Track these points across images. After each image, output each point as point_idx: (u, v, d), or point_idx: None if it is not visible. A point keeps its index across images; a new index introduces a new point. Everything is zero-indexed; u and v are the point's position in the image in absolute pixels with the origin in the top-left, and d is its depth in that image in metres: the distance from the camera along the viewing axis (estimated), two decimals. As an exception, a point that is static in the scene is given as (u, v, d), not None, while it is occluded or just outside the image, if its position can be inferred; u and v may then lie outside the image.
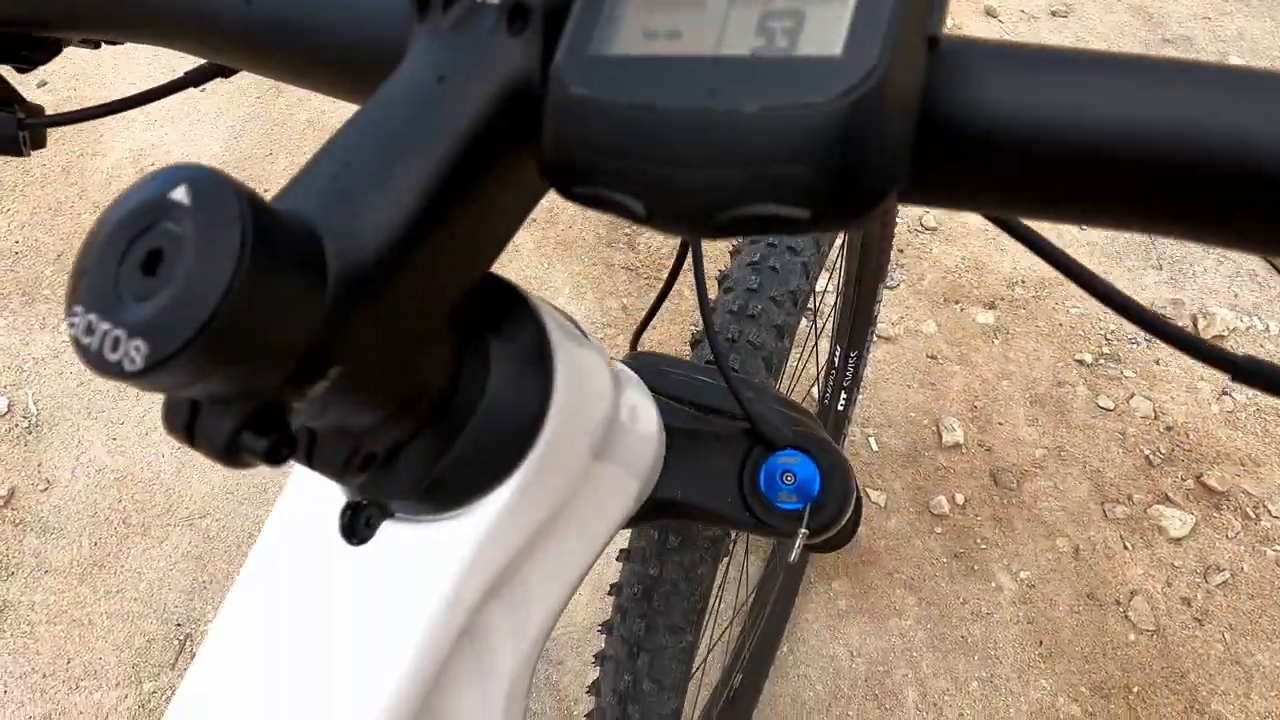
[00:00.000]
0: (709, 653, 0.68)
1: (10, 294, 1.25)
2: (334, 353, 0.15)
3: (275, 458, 0.14)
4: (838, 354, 0.92)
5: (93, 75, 1.55)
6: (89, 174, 1.41)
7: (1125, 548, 0.98)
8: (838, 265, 0.85)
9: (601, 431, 0.23)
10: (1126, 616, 0.94)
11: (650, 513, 0.31)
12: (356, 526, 0.19)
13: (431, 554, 0.19)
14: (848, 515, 0.32)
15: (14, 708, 0.90)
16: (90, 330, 0.13)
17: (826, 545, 0.51)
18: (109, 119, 1.46)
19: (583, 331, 0.24)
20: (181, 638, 0.95)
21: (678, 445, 0.32)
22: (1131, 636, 0.92)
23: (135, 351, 0.13)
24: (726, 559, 0.49)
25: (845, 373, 0.90)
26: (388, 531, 0.20)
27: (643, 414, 0.28)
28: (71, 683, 0.92)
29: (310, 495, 0.21)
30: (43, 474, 1.07)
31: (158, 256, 0.13)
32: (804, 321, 0.49)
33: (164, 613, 0.96)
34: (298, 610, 0.19)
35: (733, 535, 0.50)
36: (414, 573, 0.19)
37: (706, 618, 0.44)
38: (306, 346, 0.14)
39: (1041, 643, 0.92)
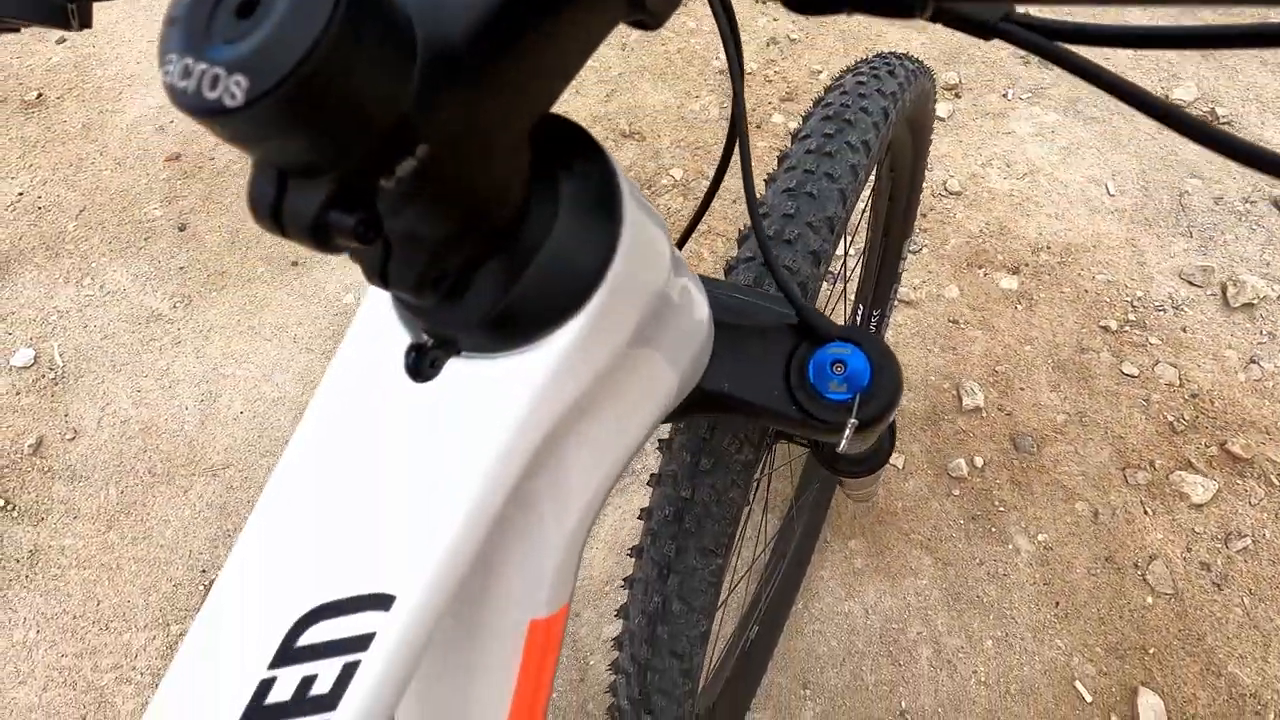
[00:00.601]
0: (727, 601, 0.69)
1: (35, 248, 1.27)
2: (421, 130, 0.15)
3: (363, 236, 0.15)
4: (860, 313, 0.92)
5: (111, 30, 1.56)
6: (109, 131, 1.42)
7: (1146, 513, 0.98)
8: (861, 224, 0.85)
9: (656, 302, 0.24)
10: (1144, 580, 0.94)
11: (695, 404, 0.32)
12: (422, 365, 0.19)
13: (495, 389, 0.20)
14: (895, 410, 0.32)
15: (46, 647, 0.93)
16: (187, 73, 0.13)
17: (862, 468, 0.51)
18: (128, 80, 1.47)
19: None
20: (207, 584, 0.97)
21: (725, 339, 0.32)
22: (1149, 600, 0.93)
23: (236, 87, 0.13)
24: (756, 487, 0.49)
25: (867, 332, 0.90)
26: (452, 369, 0.20)
27: (694, 298, 0.28)
28: (101, 624, 0.95)
29: (373, 339, 0.21)
30: (69, 424, 1.09)
31: (252, 3, 0.13)
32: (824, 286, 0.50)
33: (189, 559, 0.99)
34: (361, 449, 0.20)
35: (761, 468, 0.50)
36: (478, 408, 0.20)
37: (735, 544, 0.44)
38: (395, 118, 0.14)
39: (1057, 604, 0.93)
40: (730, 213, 1.28)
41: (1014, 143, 1.38)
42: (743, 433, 0.39)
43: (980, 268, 1.22)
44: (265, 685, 0.17)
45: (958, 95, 1.46)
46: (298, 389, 1.12)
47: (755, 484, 0.49)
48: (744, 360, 0.32)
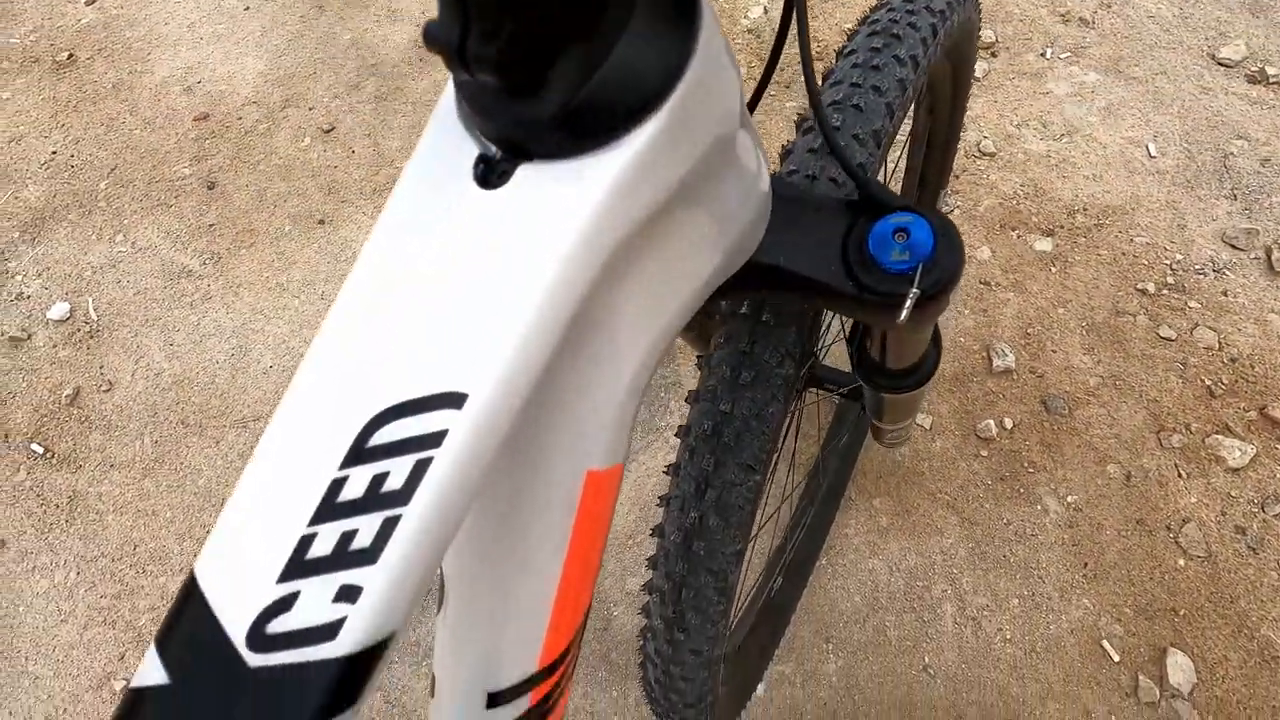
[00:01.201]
0: (757, 535, 0.69)
1: (69, 206, 1.30)
2: None
3: None
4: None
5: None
6: (138, 91, 1.43)
7: (1180, 476, 0.97)
8: (898, 168, 0.84)
9: (724, 143, 0.24)
10: (1176, 542, 0.93)
11: (748, 279, 0.31)
12: (491, 174, 0.20)
13: (567, 190, 0.20)
14: (956, 285, 0.32)
15: (86, 588, 0.97)
16: None
17: (908, 381, 0.49)
18: (156, 41, 1.48)
19: None
20: (239, 530, 1.00)
21: (781, 213, 0.32)
22: (1181, 562, 0.92)
23: None
24: (785, 434, 0.49)
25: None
26: (522, 175, 0.20)
27: (757, 158, 0.28)
28: (138, 567, 0.98)
29: (440, 154, 0.21)
30: (104, 375, 1.12)
31: None
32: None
33: (222, 507, 1.02)
34: (431, 256, 0.20)
35: (797, 394, 0.49)
36: (549, 209, 0.19)
37: (772, 465, 0.44)
38: None
39: (1086, 565, 0.92)
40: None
41: (1051, 103, 1.35)
42: (784, 346, 0.39)
43: (1014, 229, 1.20)
44: (337, 484, 0.18)
45: (994, 54, 1.43)
46: (325, 344, 1.13)
47: (791, 413, 0.49)
48: (800, 235, 0.32)
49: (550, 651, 0.26)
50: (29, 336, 1.16)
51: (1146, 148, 1.28)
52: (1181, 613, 0.89)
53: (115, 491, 1.03)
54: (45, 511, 1.02)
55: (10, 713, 0.89)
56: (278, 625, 0.17)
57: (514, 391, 0.19)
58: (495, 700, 0.27)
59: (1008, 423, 1.03)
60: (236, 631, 0.17)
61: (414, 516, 0.18)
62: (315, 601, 0.17)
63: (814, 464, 0.95)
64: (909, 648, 0.89)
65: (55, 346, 1.15)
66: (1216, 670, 0.85)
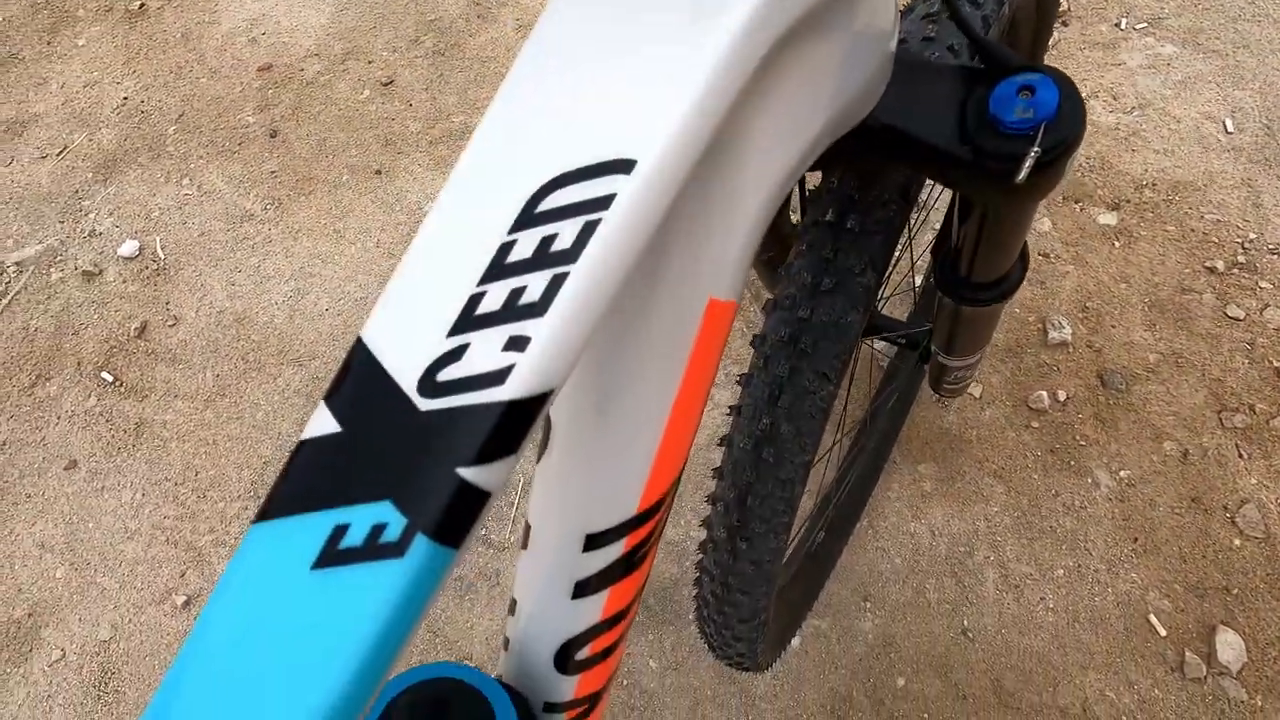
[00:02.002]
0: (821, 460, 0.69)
1: (139, 149, 1.35)
2: None
3: None
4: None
5: (208, -55, 1.61)
6: (205, 41, 1.48)
7: (1240, 456, 0.95)
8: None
9: None
10: (1233, 522, 0.91)
11: (859, 143, 0.31)
12: None
13: None
14: (1076, 151, 0.31)
15: (150, 508, 1.02)
16: None
17: (992, 293, 0.48)
18: (224, -13, 1.52)
19: None
20: (294, 462, 1.05)
21: (899, 74, 0.32)
22: (1236, 542, 0.90)
23: None
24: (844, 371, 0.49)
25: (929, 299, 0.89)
26: None
27: (889, 4, 0.28)
28: (199, 492, 1.03)
29: None
30: (170, 311, 1.18)
31: None
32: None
33: (279, 440, 1.06)
34: (600, 30, 0.20)
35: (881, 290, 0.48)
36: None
37: (846, 378, 0.45)
38: None
39: (1136, 540, 0.91)
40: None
41: (1123, 74, 1.31)
42: (867, 254, 0.40)
43: (1078, 202, 1.18)
44: (506, 247, 0.19)
45: (1065, 23, 1.39)
46: (380, 290, 1.17)
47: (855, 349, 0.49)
48: (916, 99, 0.32)
49: (650, 495, 0.27)
50: (100, 272, 1.22)
51: (1223, 123, 1.24)
52: (1234, 592, 0.87)
53: (179, 420, 1.09)
54: (114, 436, 1.08)
55: (80, 619, 0.95)
56: (448, 374, 0.18)
57: (682, 157, 0.19)
58: (592, 543, 0.28)
59: (1061, 395, 1.01)
60: (407, 381, 0.18)
61: (581, 273, 0.18)
62: (485, 351, 0.18)
63: (861, 421, 0.95)
64: (948, 611, 0.89)
65: (125, 282, 1.21)
66: (1269, 651, 0.84)
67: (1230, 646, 0.83)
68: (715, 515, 0.50)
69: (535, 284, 0.19)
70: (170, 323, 1.17)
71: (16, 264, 1.23)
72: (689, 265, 0.25)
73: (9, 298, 1.20)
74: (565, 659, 0.30)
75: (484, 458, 0.18)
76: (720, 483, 0.48)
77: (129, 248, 1.23)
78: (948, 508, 0.95)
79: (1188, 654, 0.84)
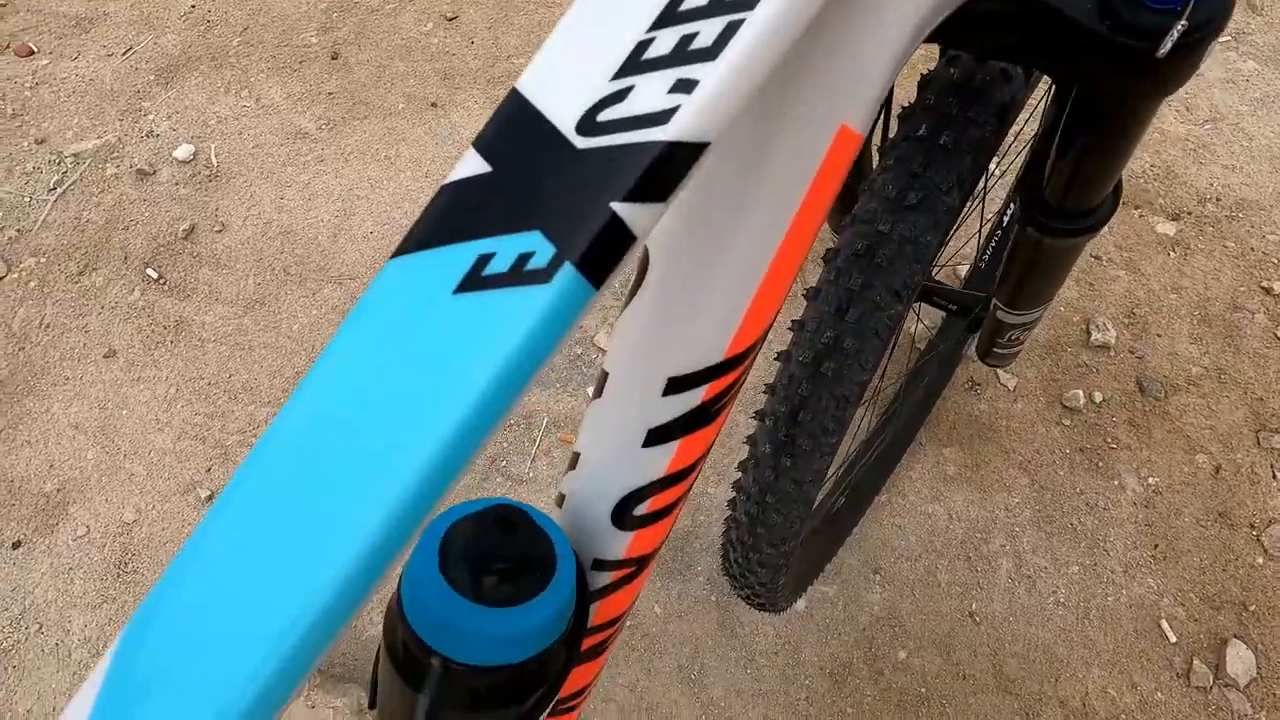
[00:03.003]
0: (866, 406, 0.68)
1: (201, 58, 1.38)
2: None
3: None
4: (1009, 212, 0.90)
5: None
6: (276, -42, 1.50)
7: (1275, 477, 0.94)
8: (1041, 106, 0.82)
9: None
10: (1259, 540, 0.91)
11: (991, 16, 0.31)
12: None
13: None
14: (1221, 30, 0.30)
15: (183, 403, 1.06)
16: None
17: (1088, 221, 0.46)
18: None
19: None
20: (325, 376, 1.07)
21: None
22: (1260, 560, 0.90)
23: None
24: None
25: (1009, 236, 0.88)
26: None
27: None
28: (231, 394, 1.06)
29: None
30: (218, 217, 1.20)
31: None
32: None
33: (312, 353, 1.09)
34: None
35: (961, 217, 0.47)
36: None
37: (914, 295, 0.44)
38: None
39: (1156, 546, 0.91)
40: None
41: (1199, 86, 1.29)
42: (957, 173, 0.40)
43: (1137, 208, 1.17)
44: (643, 45, 0.19)
45: (1145, 28, 1.37)
46: (425, 219, 1.19)
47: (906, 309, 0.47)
48: None
49: (740, 341, 0.27)
50: (155, 172, 1.25)
51: (1298, 145, 1.22)
52: (1251, 608, 0.87)
53: (217, 323, 1.11)
54: (153, 330, 1.11)
55: (107, 500, 0.99)
56: (609, 114, 0.18)
57: None
58: (673, 387, 0.28)
59: (1097, 396, 1.01)
60: (565, 121, 0.18)
61: (759, 20, 0.18)
62: (650, 92, 0.18)
63: (896, 391, 0.95)
64: (957, 593, 0.90)
65: (177, 184, 1.24)
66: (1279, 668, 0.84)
67: (1241, 660, 0.84)
68: (762, 431, 0.50)
69: (708, 30, 0.18)
70: (217, 228, 1.19)
71: (74, 155, 1.27)
72: (827, 83, 0.24)
73: (64, 187, 1.23)
74: (624, 513, 0.30)
75: (638, 195, 0.18)
76: (772, 398, 0.49)
77: (184, 151, 1.26)
78: (969, 493, 0.96)
79: (1196, 662, 0.85)
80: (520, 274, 0.18)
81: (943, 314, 0.96)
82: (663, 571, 0.93)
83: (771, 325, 0.29)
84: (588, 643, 0.34)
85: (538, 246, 0.18)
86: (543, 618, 0.26)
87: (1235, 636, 0.85)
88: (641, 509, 0.30)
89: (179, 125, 1.30)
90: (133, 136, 1.29)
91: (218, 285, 1.15)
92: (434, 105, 1.32)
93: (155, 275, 1.16)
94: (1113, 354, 1.04)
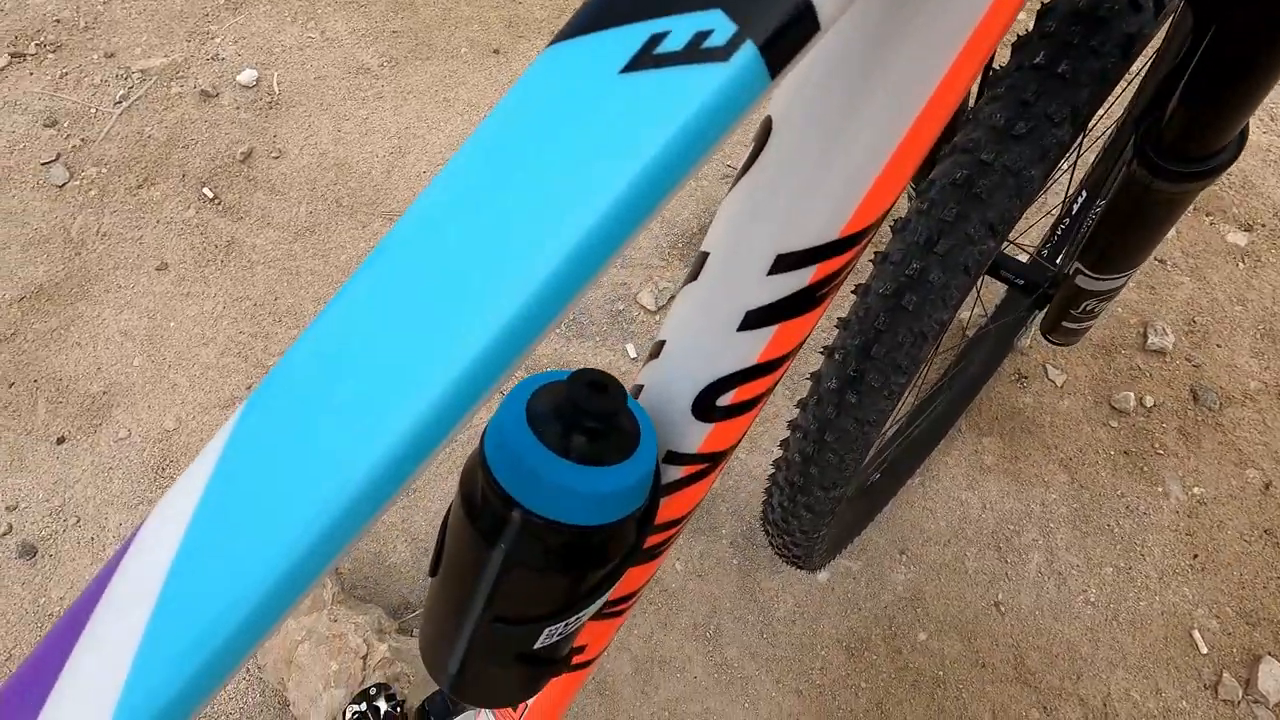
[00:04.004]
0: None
1: (271, -14, 1.39)
2: None
3: None
4: (1080, 200, 0.89)
5: None
6: (352, -106, 1.51)
7: (1327, 499, 0.92)
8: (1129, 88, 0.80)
9: None
10: (1304, 561, 0.89)
11: None
12: None
13: None
14: None
15: (228, 322, 1.08)
16: None
17: (1213, 161, 0.43)
18: None
19: None
20: (368, 308, 1.09)
21: None
22: (1303, 581, 0.88)
23: None
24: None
25: (1077, 224, 0.87)
26: None
27: None
28: (276, 316, 1.09)
29: None
30: (276, 144, 1.23)
31: None
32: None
33: (357, 284, 1.11)
34: None
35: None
36: None
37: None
38: None
39: (1196, 556, 0.90)
40: None
41: (1288, 96, 1.25)
42: (1071, 105, 0.39)
43: (1208, 215, 1.14)
44: None
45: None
46: (478, 163, 1.20)
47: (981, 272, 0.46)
48: None
49: (859, 219, 0.26)
50: (217, 94, 1.27)
51: (1387, 165, 1.18)
52: (1289, 628, 0.86)
53: (268, 246, 1.14)
54: (205, 248, 1.14)
55: (149, 406, 1.02)
56: None
57: None
58: (780, 265, 0.27)
59: (1148, 401, 0.99)
60: None
61: None
62: None
63: (949, 367, 0.94)
64: (984, 581, 0.90)
65: (238, 108, 1.26)
66: (1312, 692, 0.82)
67: (1274, 678, 0.82)
68: (830, 366, 0.49)
69: None
70: (274, 154, 1.22)
71: (141, 71, 1.29)
72: None
73: (130, 102, 1.26)
74: (706, 403, 0.30)
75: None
76: (844, 332, 0.48)
77: (247, 76, 1.28)
78: (1005, 485, 0.95)
79: (1226, 676, 0.83)
80: (695, 52, 0.16)
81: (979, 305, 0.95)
82: (688, 530, 0.94)
83: (891, 207, 0.27)
84: (648, 541, 0.34)
85: (717, 25, 0.16)
86: (624, 483, 0.26)
87: (1270, 654, 0.84)
88: (725, 399, 0.30)
89: (244, 51, 1.32)
90: (199, 58, 1.31)
91: (270, 210, 1.17)
92: (496, 52, 1.32)
93: (211, 195, 1.18)
94: (1169, 360, 1.03)
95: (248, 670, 0.86)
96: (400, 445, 0.17)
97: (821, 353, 0.50)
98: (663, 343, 0.31)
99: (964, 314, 1.02)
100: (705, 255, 0.29)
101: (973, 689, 0.84)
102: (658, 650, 0.86)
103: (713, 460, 0.32)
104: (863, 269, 0.47)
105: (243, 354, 1.06)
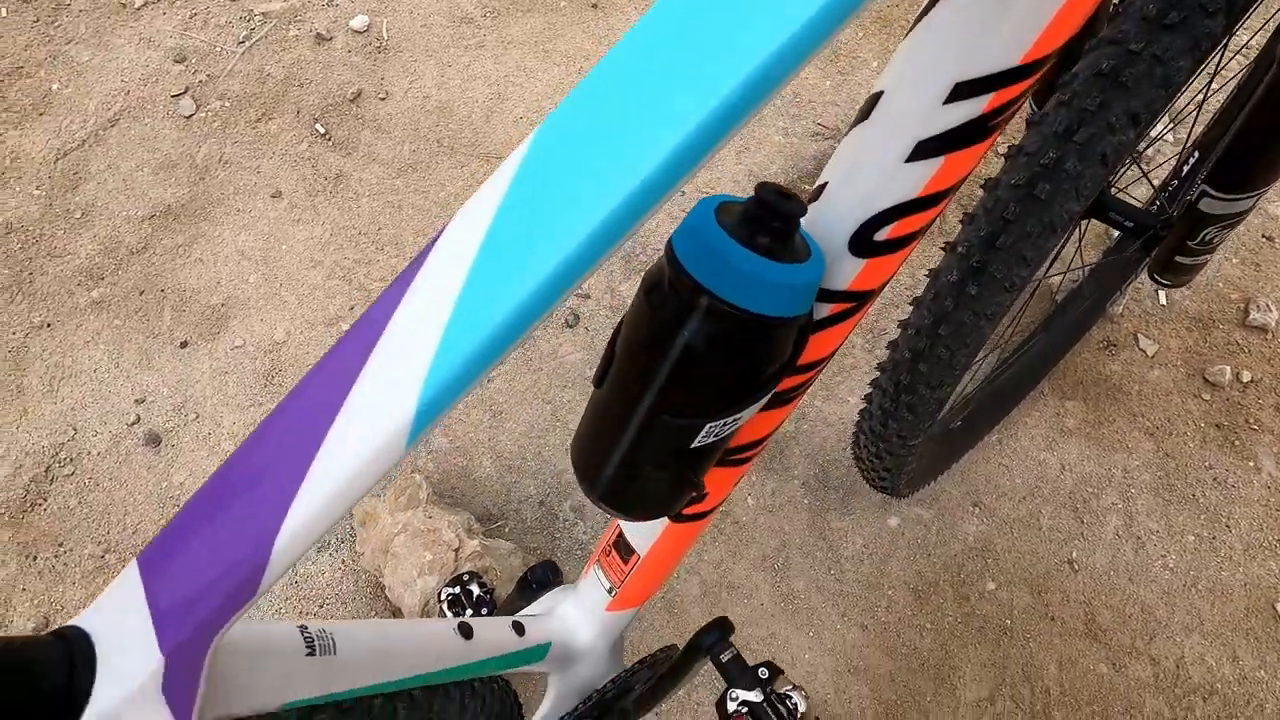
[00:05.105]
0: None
1: (383, -62, 1.48)
2: None
3: None
4: (1191, 160, 0.88)
5: None
6: None
7: None
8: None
9: None
10: (1404, 546, 0.87)
11: None
12: None
13: None
14: None
15: (335, 247, 1.17)
16: None
17: None
18: None
19: None
20: (464, 242, 1.16)
21: None
22: (1401, 566, 0.86)
23: None
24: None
25: (1188, 183, 0.86)
26: None
27: None
28: (379, 245, 1.17)
29: None
30: (383, 86, 1.31)
31: None
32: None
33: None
34: None
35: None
36: None
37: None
38: None
39: (1285, 533, 0.89)
40: None
41: None
42: None
43: (1325, 193, 1.11)
44: None
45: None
46: (574, 111, 1.25)
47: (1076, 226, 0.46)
48: None
49: (1040, 46, 0.27)
50: (331, 38, 1.36)
51: None
52: (1383, 610, 0.84)
53: (373, 180, 1.22)
54: (316, 180, 1.23)
55: (262, 320, 1.11)
56: None
57: None
58: (957, 94, 0.28)
59: (1245, 376, 0.98)
60: None
61: None
62: None
63: (1040, 325, 0.94)
64: (1059, 539, 0.91)
65: (350, 52, 1.35)
66: (1403, 674, 0.81)
67: (1361, 656, 0.81)
68: (951, 260, 0.51)
69: None
70: (382, 96, 1.30)
71: (263, 14, 1.40)
72: None
73: (251, 42, 1.37)
74: (864, 238, 0.32)
75: None
76: (968, 226, 0.50)
77: (360, 22, 1.37)
78: (1086, 448, 0.96)
79: (1309, 650, 0.83)
80: None
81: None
82: (760, 468, 0.98)
83: (1070, 39, 0.28)
84: (782, 385, 0.36)
85: None
86: (801, 280, 0.30)
87: (1359, 633, 0.83)
88: (883, 233, 0.32)
89: (358, -2, 1.40)
90: (315, 3, 1.40)
91: (377, 147, 1.25)
92: (594, 6, 1.38)
93: (323, 131, 1.27)
94: (1270, 337, 1.01)
95: (343, 560, 0.94)
96: (673, 151, 0.22)
97: (943, 249, 0.53)
98: (823, 185, 0.34)
99: (1055, 278, 1.03)
100: (878, 94, 0.31)
101: (1040, 639, 0.86)
102: (726, 576, 0.91)
103: (859, 300, 0.35)
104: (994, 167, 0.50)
105: (347, 278, 1.15)
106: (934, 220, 0.32)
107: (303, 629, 0.33)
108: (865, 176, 0.32)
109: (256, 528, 0.23)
